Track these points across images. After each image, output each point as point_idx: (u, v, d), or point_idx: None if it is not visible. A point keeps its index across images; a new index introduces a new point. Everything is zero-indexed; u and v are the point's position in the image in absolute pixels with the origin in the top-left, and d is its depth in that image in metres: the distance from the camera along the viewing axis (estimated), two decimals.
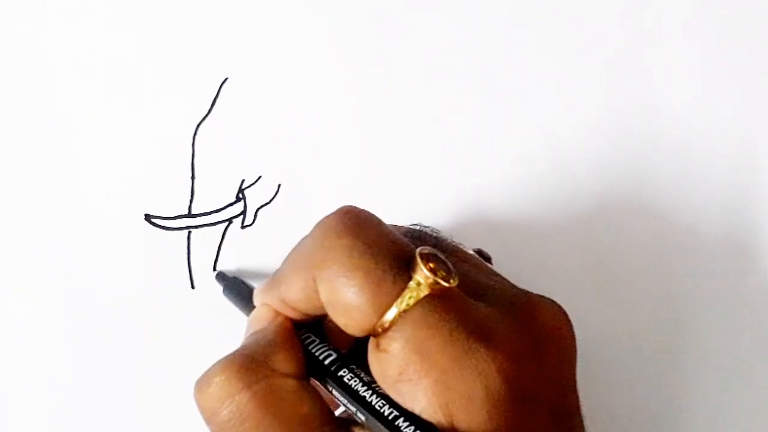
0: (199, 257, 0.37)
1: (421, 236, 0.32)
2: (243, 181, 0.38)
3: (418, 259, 0.26)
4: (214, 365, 0.27)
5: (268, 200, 0.38)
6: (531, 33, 0.38)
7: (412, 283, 0.26)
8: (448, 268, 0.27)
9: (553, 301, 0.29)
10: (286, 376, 0.27)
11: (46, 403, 0.37)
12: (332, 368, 0.28)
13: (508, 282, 0.30)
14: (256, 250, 0.38)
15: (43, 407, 0.37)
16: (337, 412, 0.28)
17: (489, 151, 0.38)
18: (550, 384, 0.27)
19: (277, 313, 0.29)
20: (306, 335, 0.29)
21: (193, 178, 0.38)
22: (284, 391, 0.27)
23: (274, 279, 0.29)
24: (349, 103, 0.38)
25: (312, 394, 0.27)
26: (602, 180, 0.38)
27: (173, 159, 0.38)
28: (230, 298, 0.35)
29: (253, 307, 0.31)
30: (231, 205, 0.38)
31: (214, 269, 0.37)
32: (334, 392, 0.28)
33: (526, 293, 0.29)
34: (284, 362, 0.28)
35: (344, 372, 0.28)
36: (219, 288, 0.36)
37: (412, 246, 0.27)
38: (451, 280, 0.26)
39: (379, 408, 0.26)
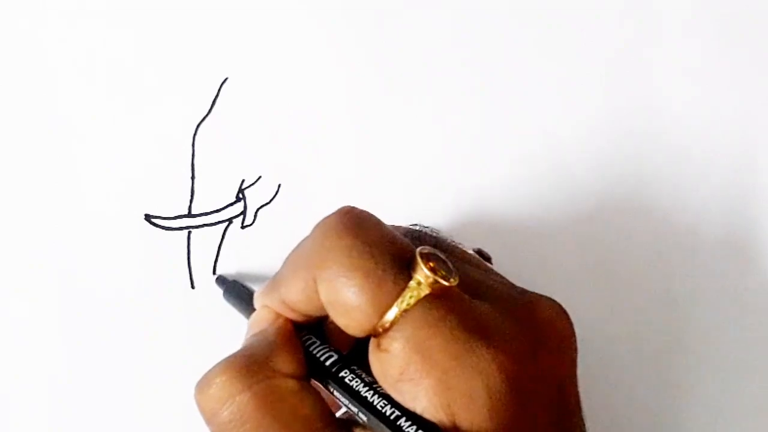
0: (199, 257, 0.37)
1: (420, 236, 0.32)
2: (243, 181, 0.38)
3: (419, 259, 0.26)
4: (215, 366, 0.27)
5: (268, 200, 0.38)
6: (531, 33, 0.38)
7: (412, 283, 0.26)
8: (448, 267, 0.27)
9: (552, 300, 0.29)
10: (287, 376, 0.27)
11: (46, 403, 0.37)
12: (333, 369, 0.28)
13: (507, 281, 0.30)
14: (256, 251, 0.38)
15: (43, 407, 0.37)
16: (338, 414, 0.28)
17: (489, 151, 0.38)
18: (551, 382, 0.27)
19: (278, 315, 0.29)
20: (307, 337, 0.29)
21: (193, 178, 0.38)
22: (285, 391, 0.27)
23: (274, 281, 0.29)
24: (349, 103, 0.38)
25: (313, 395, 0.27)
26: (602, 180, 0.38)
27: (173, 159, 0.38)
28: (230, 302, 0.35)
29: (254, 309, 0.31)
30: (231, 205, 0.38)
31: (214, 270, 0.37)
32: (336, 393, 0.28)
33: (526, 292, 0.29)
34: (285, 363, 0.28)
35: (345, 373, 0.28)
36: (219, 288, 0.36)
37: (412, 246, 0.27)
38: (452, 279, 0.26)
39: (380, 408, 0.26)
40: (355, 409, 0.27)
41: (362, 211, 0.28)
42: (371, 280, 0.26)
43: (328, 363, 0.28)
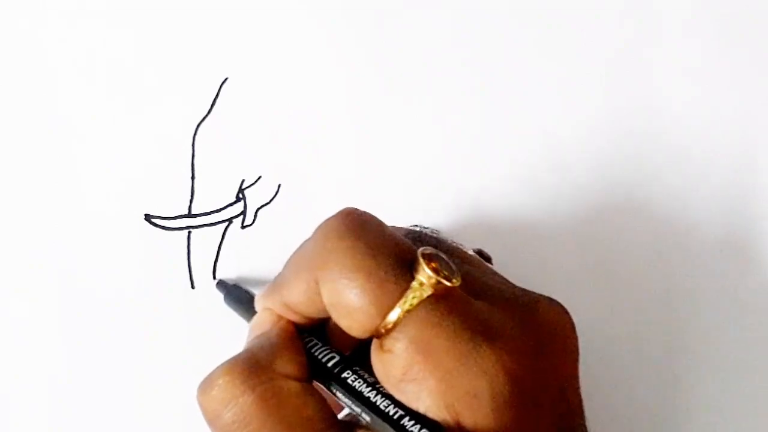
0: (199, 257, 0.37)
1: (421, 237, 0.32)
2: (243, 181, 0.38)
3: (421, 259, 0.26)
4: (218, 368, 0.27)
5: (268, 200, 0.38)
6: (531, 33, 0.38)
7: (414, 284, 0.26)
8: (451, 267, 0.27)
9: (554, 300, 0.29)
10: (290, 378, 0.27)
11: (46, 403, 0.37)
12: (335, 370, 0.28)
13: (509, 282, 0.30)
14: (256, 251, 0.38)
15: (43, 407, 0.37)
16: (340, 416, 0.28)
17: (489, 151, 0.38)
18: (553, 382, 0.27)
19: (279, 317, 0.29)
20: (308, 339, 0.29)
21: (193, 178, 0.38)
22: (288, 393, 0.27)
23: (276, 283, 0.29)
24: (349, 103, 0.38)
25: (315, 397, 0.27)
26: (602, 180, 0.38)
27: (173, 159, 0.38)
28: (232, 306, 0.35)
29: (255, 313, 0.31)
30: (231, 205, 0.38)
31: (214, 270, 0.37)
32: (338, 394, 0.28)
33: (528, 292, 0.29)
34: (287, 365, 0.28)
35: (348, 374, 0.28)
36: (220, 293, 0.36)
37: (414, 247, 0.27)
38: (454, 280, 0.26)
39: (384, 408, 0.26)
40: (358, 410, 0.27)
41: (364, 213, 0.28)
42: (373, 281, 0.26)
43: (330, 364, 0.28)
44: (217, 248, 0.38)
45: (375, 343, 0.27)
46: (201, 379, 0.28)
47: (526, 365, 0.26)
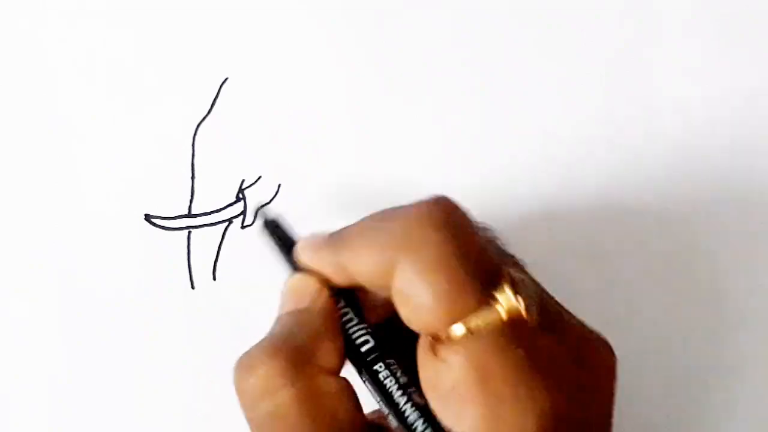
0: (199, 257, 0.37)
1: (495, 240, 0.30)
2: (243, 181, 0.38)
3: (507, 283, 0.25)
4: (258, 351, 0.26)
5: (268, 200, 0.38)
6: (531, 33, 0.38)
7: (494, 303, 0.25)
8: (533, 299, 0.26)
9: (604, 339, 0.28)
10: (329, 373, 0.27)
11: (46, 403, 0.37)
12: (368, 358, 0.27)
13: (565, 309, 0.29)
14: (256, 251, 0.38)
15: (43, 407, 0.37)
16: (368, 411, 0.28)
17: (489, 151, 0.38)
18: (595, 422, 0.26)
19: (321, 290, 0.28)
20: (345, 311, 0.28)
21: (193, 178, 0.38)
22: (326, 393, 0.26)
23: (338, 241, 0.28)
24: (349, 103, 0.38)
25: (350, 397, 0.27)
26: (602, 180, 0.38)
27: (173, 159, 0.38)
28: (268, 240, 0.33)
29: (293, 261, 0.29)
30: (231, 205, 0.38)
31: (214, 270, 0.37)
32: (368, 385, 0.27)
33: (584, 327, 0.28)
34: (328, 356, 0.27)
35: (380, 367, 0.27)
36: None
37: (501, 262, 0.26)
38: (532, 311, 0.25)
39: (411, 421, 0.25)
40: (386, 410, 0.26)
41: (459, 208, 0.27)
42: (454, 287, 0.25)
43: (364, 349, 0.27)
44: (217, 248, 0.38)
45: (428, 342, 0.26)
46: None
47: (575, 406, 0.25)
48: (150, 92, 0.38)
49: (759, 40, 0.38)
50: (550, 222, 0.38)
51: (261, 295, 0.35)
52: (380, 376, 0.26)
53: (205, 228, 0.38)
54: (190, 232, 0.37)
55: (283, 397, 0.26)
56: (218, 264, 0.38)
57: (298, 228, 0.33)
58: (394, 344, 0.27)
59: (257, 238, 0.33)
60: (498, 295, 0.25)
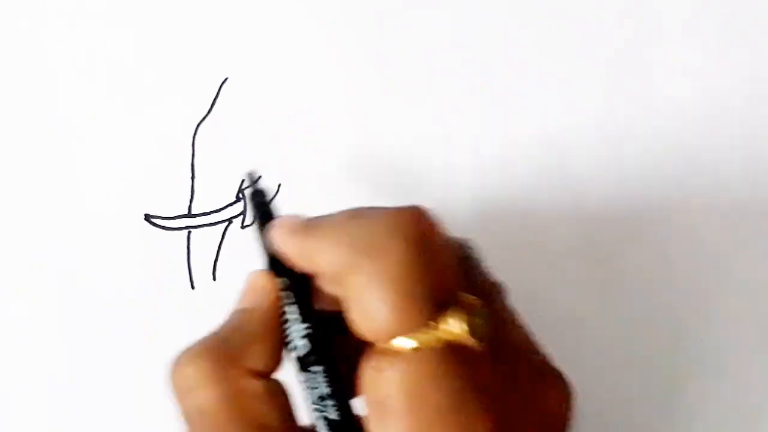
0: (199, 257, 0.37)
1: (469, 260, 0.30)
2: (243, 181, 0.38)
3: (457, 309, 0.25)
4: (190, 350, 0.27)
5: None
6: (531, 33, 0.38)
7: (440, 326, 0.25)
8: (485, 329, 0.25)
9: (565, 380, 0.28)
10: (257, 375, 0.27)
11: (46, 403, 0.37)
12: (304, 361, 0.27)
13: (529, 339, 0.29)
14: (256, 251, 0.37)
15: (43, 407, 0.37)
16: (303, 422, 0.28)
17: (489, 150, 0.38)
18: None
19: (271, 290, 0.28)
20: (287, 309, 0.28)
21: (193, 178, 0.38)
22: (250, 395, 0.27)
23: (311, 230, 0.28)
24: (349, 103, 0.38)
25: (277, 400, 0.27)
26: (602, 180, 0.38)
27: (173, 159, 0.38)
28: (250, 206, 0.33)
29: (267, 237, 0.29)
30: (231, 205, 0.38)
31: (214, 270, 0.37)
32: (301, 385, 0.27)
33: (542, 361, 0.28)
34: (258, 358, 0.27)
35: (305, 377, 0.27)
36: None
37: (458, 286, 0.26)
38: (479, 342, 0.25)
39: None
40: (313, 413, 0.27)
41: (434, 223, 0.26)
42: (403, 302, 0.25)
43: (294, 355, 0.27)
44: (217, 248, 0.38)
45: (372, 349, 0.26)
46: None
47: None
48: (150, 92, 0.38)
49: (759, 40, 0.38)
50: (549, 221, 0.38)
51: None
52: (304, 385, 0.27)
53: (205, 228, 0.38)
54: (190, 232, 0.37)
55: (207, 396, 0.26)
56: (218, 264, 0.38)
57: None
58: (347, 336, 0.27)
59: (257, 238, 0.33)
60: (445, 318, 0.25)
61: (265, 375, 0.27)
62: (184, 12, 0.38)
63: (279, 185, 0.38)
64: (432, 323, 0.25)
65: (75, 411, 0.37)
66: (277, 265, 0.29)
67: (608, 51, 0.38)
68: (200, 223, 0.38)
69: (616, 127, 0.38)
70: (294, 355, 0.27)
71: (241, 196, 0.38)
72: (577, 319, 0.36)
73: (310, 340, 0.27)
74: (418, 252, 0.25)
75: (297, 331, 0.28)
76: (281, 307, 0.28)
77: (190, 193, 0.37)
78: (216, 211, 0.37)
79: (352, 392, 0.27)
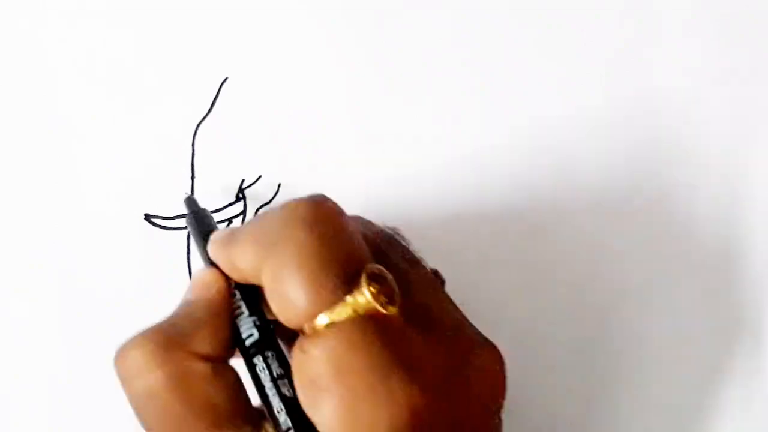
0: (199, 257, 0.37)
1: (390, 241, 0.31)
2: (243, 181, 0.38)
3: (363, 279, 0.26)
4: (136, 336, 0.27)
5: (268, 200, 0.38)
6: (531, 33, 0.38)
7: (349, 299, 0.26)
8: (392, 293, 0.26)
9: (494, 348, 0.29)
10: (203, 359, 0.27)
11: (46, 403, 0.37)
12: (249, 351, 0.27)
13: (460, 315, 0.30)
14: None
15: (43, 407, 0.37)
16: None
17: (489, 150, 0.38)
18: (467, 427, 0.27)
19: (217, 283, 0.29)
20: (237, 305, 0.29)
21: (193, 178, 0.38)
22: (196, 376, 0.27)
23: (231, 238, 0.29)
24: (349, 103, 0.38)
25: (226, 382, 0.27)
26: (602, 180, 0.38)
27: (173, 159, 0.38)
28: (191, 229, 0.34)
29: (205, 251, 0.30)
30: (231, 205, 0.38)
31: None
32: (249, 376, 0.28)
33: (470, 332, 0.29)
34: (204, 343, 0.27)
35: (258, 360, 0.27)
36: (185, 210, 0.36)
37: (366, 259, 0.27)
38: (390, 308, 0.26)
39: (277, 412, 0.26)
40: (259, 401, 0.27)
41: (332, 206, 0.28)
42: (312, 282, 0.26)
43: (246, 343, 0.28)
44: None
45: (300, 337, 0.27)
46: None
47: (437, 406, 0.26)
48: (150, 92, 0.38)
49: (759, 40, 0.38)
50: (549, 221, 0.38)
51: None
52: (257, 368, 0.27)
53: None
54: (189, 232, 0.37)
55: (153, 378, 0.27)
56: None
57: None
58: (292, 339, 0.27)
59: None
60: (356, 292, 0.26)
61: (212, 359, 0.27)
62: (184, 12, 0.38)
63: (279, 185, 0.38)
64: (341, 299, 0.26)
65: (75, 411, 0.37)
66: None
67: (608, 51, 0.38)
68: None
69: (616, 127, 0.38)
70: (248, 342, 0.28)
71: (241, 196, 0.38)
72: (577, 319, 0.36)
73: (260, 330, 0.28)
74: (317, 235, 0.26)
75: (248, 323, 0.28)
76: (232, 303, 0.29)
77: (190, 193, 0.37)
78: (216, 211, 0.37)
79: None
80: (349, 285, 0.26)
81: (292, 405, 0.26)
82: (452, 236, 0.37)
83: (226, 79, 0.38)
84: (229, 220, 0.37)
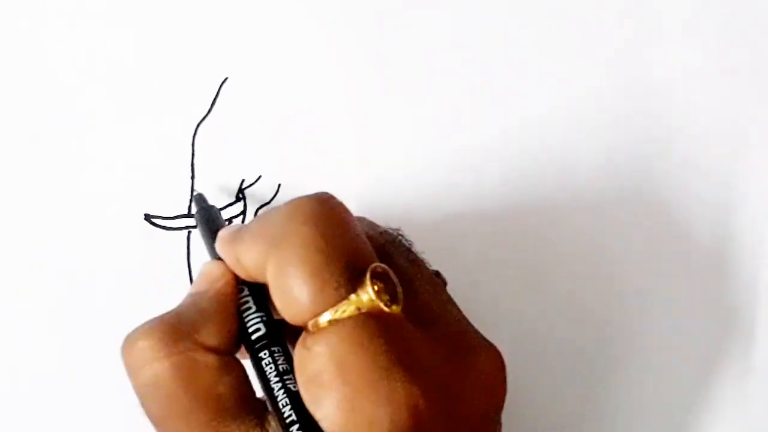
0: (199, 257, 0.37)
1: (394, 242, 0.31)
2: (243, 181, 0.38)
3: (368, 277, 0.26)
4: (144, 325, 0.27)
5: (268, 200, 0.38)
6: (531, 33, 0.38)
7: (353, 297, 0.26)
8: (395, 292, 0.26)
9: (497, 351, 0.29)
10: (210, 350, 0.27)
11: (46, 402, 0.37)
12: (256, 345, 0.28)
13: (461, 316, 0.30)
14: None
15: (43, 407, 0.37)
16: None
17: (488, 150, 0.38)
18: (466, 426, 0.27)
19: (224, 277, 0.29)
20: (244, 300, 0.29)
21: (193, 178, 0.38)
22: (203, 367, 0.27)
23: (237, 235, 0.29)
24: (349, 103, 0.38)
25: (232, 374, 0.27)
26: (602, 180, 0.38)
27: (173, 159, 0.38)
28: (200, 226, 0.34)
29: (213, 248, 0.30)
30: (231, 205, 0.38)
31: None
32: (254, 371, 0.28)
33: (472, 334, 0.29)
34: (211, 335, 0.27)
35: (264, 354, 0.27)
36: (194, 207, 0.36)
37: (371, 258, 0.27)
38: (393, 307, 0.26)
39: (281, 407, 0.26)
40: (264, 395, 0.27)
41: (337, 204, 0.28)
42: (316, 279, 0.26)
43: (254, 337, 0.28)
44: None
45: (303, 334, 0.27)
46: None
47: (437, 406, 0.26)
48: (150, 92, 0.38)
49: (759, 40, 0.38)
50: (549, 221, 0.38)
51: None
52: (263, 363, 0.27)
53: None
54: (190, 232, 0.37)
55: (159, 367, 0.27)
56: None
57: None
58: (296, 336, 0.27)
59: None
60: (360, 290, 0.26)
61: (219, 352, 0.27)
62: (184, 12, 0.38)
63: (279, 185, 0.38)
64: (345, 296, 0.26)
65: (75, 411, 0.37)
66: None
67: (608, 51, 0.38)
68: None
69: (616, 128, 0.38)
70: (254, 337, 0.28)
71: (241, 196, 0.38)
72: (577, 319, 0.36)
73: (266, 325, 0.28)
74: (322, 232, 0.26)
75: (255, 318, 0.28)
76: (239, 298, 0.29)
77: (190, 193, 0.37)
78: None
79: None
80: (353, 283, 0.26)
81: (298, 399, 0.26)
82: (452, 236, 0.37)
83: (226, 79, 0.38)
84: (229, 221, 0.37)
